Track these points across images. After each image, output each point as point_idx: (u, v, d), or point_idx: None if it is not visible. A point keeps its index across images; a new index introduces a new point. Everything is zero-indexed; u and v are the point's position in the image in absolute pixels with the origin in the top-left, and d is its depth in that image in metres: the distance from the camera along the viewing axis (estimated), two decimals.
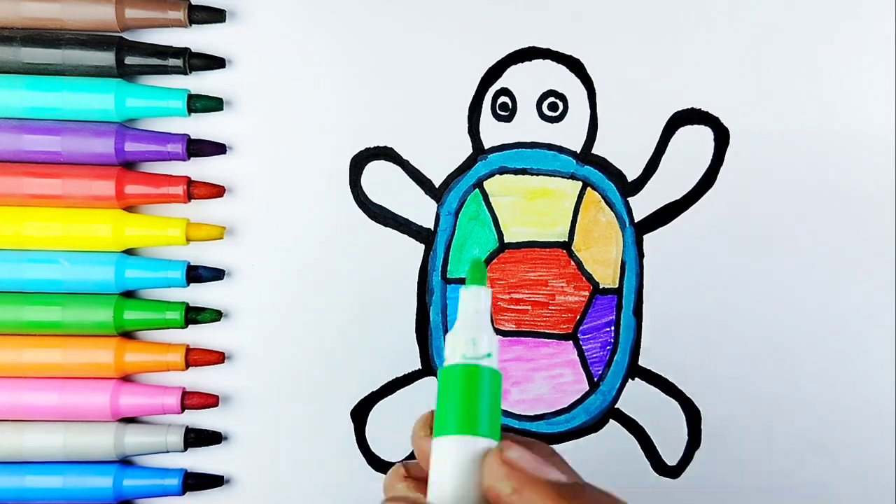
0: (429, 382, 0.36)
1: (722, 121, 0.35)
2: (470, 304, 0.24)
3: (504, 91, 0.35)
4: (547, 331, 0.36)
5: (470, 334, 0.23)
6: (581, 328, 0.36)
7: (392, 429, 0.36)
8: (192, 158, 0.34)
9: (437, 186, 0.35)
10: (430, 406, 0.35)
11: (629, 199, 0.35)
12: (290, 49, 0.34)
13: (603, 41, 0.35)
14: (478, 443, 0.22)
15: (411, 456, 0.36)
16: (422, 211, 0.35)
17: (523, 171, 0.35)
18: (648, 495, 0.36)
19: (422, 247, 0.35)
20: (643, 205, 0.35)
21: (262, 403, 0.36)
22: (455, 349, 0.23)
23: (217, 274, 0.35)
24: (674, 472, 0.36)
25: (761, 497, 0.36)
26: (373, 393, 0.36)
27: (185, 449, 0.35)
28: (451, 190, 0.35)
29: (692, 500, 0.36)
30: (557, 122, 0.35)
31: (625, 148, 0.35)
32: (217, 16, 0.33)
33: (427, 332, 0.36)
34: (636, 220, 0.35)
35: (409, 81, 0.35)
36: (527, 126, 0.35)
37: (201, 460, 0.36)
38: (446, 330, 0.35)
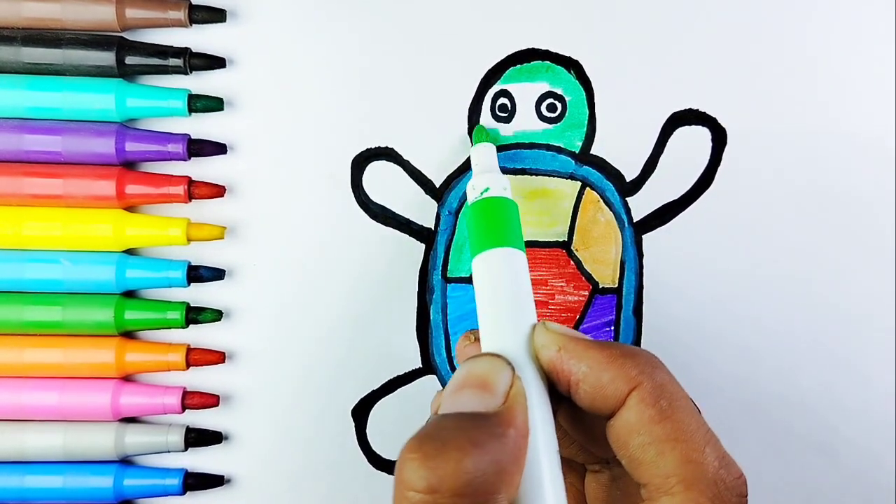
0: (429, 381, 0.36)
1: (719, 121, 0.35)
2: (476, 158, 0.33)
3: (503, 92, 0.35)
4: None
5: (476, 181, 0.31)
6: (581, 328, 0.36)
7: (393, 427, 0.36)
8: (192, 158, 0.34)
9: (437, 186, 0.35)
10: (429, 405, 0.35)
11: (628, 198, 0.35)
12: (291, 49, 0.34)
13: (601, 43, 0.35)
14: (507, 252, 0.27)
15: None
16: (422, 211, 0.35)
17: (522, 172, 0.35)
18: None
19: (422, 246, 0.35)
20: (642, 205, 0.35)
21: (262, 403, 0.36)
22: (470, 194, 0.31)
23: (218, 274, 0.35)
24: None
25: (761, 497, 0.36)
26: (373, 391, 0.36)
27: (186, 449, 0.35)
28: (451, 190, 0.35)
29: None
30: (556, 122, 0.35)
31: (623, 148, 0.35)
32: (218, 16, 0.33)
33: (427, 330, 0.36)
34: (635, 220, 0.35)
35: (409, 83, 0.35)
36: (526, 127, 0.35)
37: (202, 460, 0.36)
38: (447, 328, 0.35)
